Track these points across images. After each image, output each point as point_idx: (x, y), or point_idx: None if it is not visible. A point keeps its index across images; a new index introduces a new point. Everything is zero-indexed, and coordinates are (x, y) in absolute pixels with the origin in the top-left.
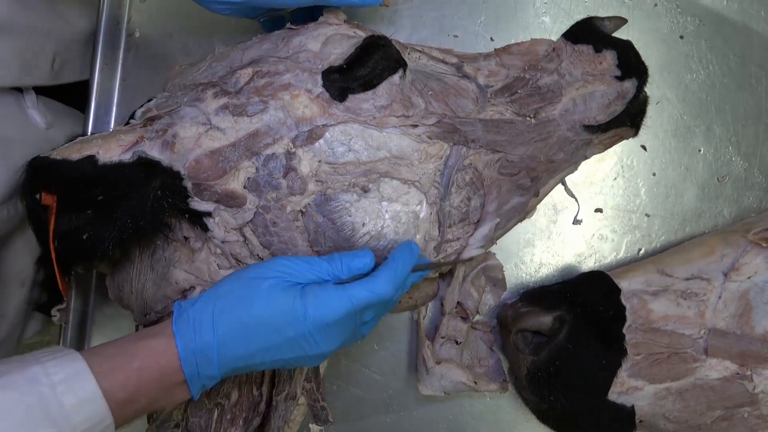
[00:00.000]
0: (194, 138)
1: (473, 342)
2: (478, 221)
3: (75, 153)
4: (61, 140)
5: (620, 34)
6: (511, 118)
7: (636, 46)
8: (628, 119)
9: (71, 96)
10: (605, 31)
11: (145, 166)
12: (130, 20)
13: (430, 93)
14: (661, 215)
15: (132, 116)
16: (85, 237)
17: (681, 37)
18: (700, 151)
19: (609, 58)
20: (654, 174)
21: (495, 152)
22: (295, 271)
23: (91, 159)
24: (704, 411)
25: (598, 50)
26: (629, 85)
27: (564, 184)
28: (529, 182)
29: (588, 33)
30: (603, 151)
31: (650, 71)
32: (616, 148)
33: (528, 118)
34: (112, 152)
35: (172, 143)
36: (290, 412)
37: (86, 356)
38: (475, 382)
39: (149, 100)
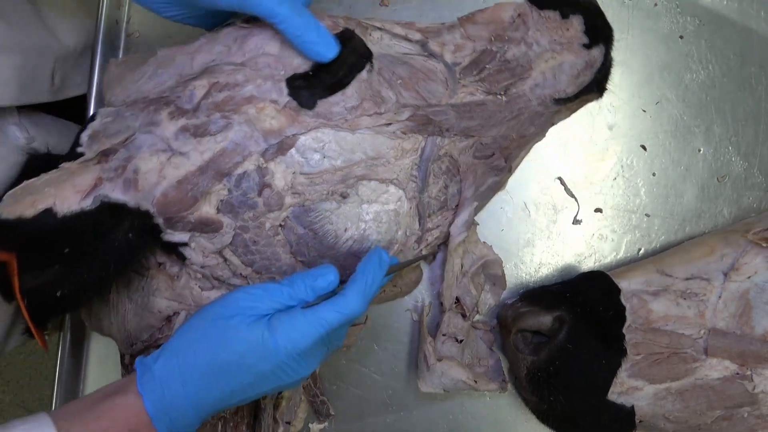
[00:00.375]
0: (157, 170)
1: (473, 341)
2: (456, 206)
3: (28, 208)
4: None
5: (620, 34)
6: (483, 98)
7: (636, 46)
8: (596, 86)
9: (70, 105)
10: None
11: (110, 210)
12: (130, 20)
13: (399, 82)
14: (661, 215)
15: (77, 141)
16: (58, 294)
17: (681, 37)
18: (700, 151)
19: (576, 23)
20: (654, 174)
21: (469, 137)
22: (256, 304)
23: (48, 213)
24: (704, 411)
25: (564, 16)
26: (597, 53)
27: (564, 184)
28: (503, 162)
29: None
30: (569, 117)
31: (650, 71)
32: (616, 148)
33: (499, 96)
34: (70, 201)
35: (135, 180)
36: (293, 413)
37: (55, 419)
38: (475, 381)
39: (92, 118)
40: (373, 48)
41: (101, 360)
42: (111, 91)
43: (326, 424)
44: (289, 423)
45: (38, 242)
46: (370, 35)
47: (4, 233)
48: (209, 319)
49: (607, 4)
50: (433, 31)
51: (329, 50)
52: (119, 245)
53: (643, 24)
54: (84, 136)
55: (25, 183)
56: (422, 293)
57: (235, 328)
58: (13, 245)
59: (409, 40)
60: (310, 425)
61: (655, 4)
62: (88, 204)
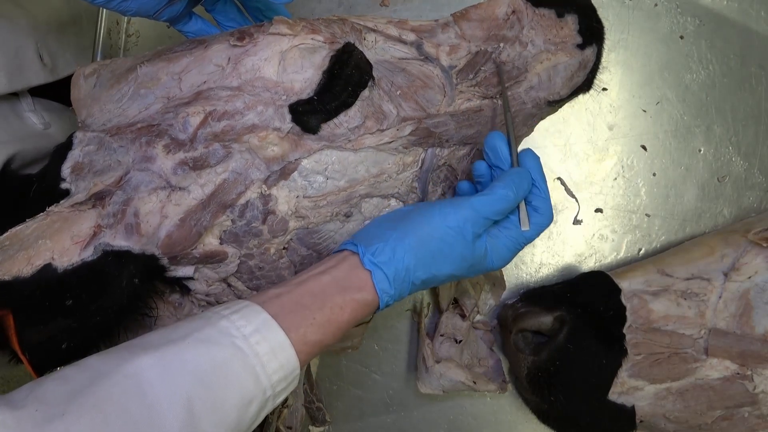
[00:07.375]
0: (158, 210)
1: (474, 342)
2: None
3: (25, 266)
4: (61, 138)
5: (620, 34)
6: (479, 104)
7: (636, 46)
8: (587, 85)
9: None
10: None
11: (113, 258)
12: (130, 20)
13: (398, 93)
14: (661, 215)
15: (59, 175)
16: (64, 346)
17: (681, 37)
18: (700, 151)
19: (570, 22)
20: (654, 174)
21: (467, 145)
22: (476, 224)
23: (48, 269)
24: (704, 411)
25: (560, 15)
26: (590, 53)
27: (564, 184)
28: None
29: None
30: (556, 111)
31: (650, 71)
32: (617, 148)
33: (494, 100)
34: (69, 253)
35: (137, 225)
36: (295, 418)
37: (266, 307)
38: (474, 382)
39: (69, 145)
40: (369, 54)
41: None
42: (86, 111)
43: (325, 426)
44: (290, 428)
45: (39, 299)
46: (365, 39)
47: (2, 294)
48: (438, 238)
49: (608, 4)
50: (428, 30)
51: None
52: (125, 291)
53: (643, 24)
54: (65, 169)
55: (12, 232)
56: (422, 293)
57: (465, 243)
58: (8, 303)
59: (404, 42)
60: (310, 427)
61: (656, 5)
62: (89, 254)
